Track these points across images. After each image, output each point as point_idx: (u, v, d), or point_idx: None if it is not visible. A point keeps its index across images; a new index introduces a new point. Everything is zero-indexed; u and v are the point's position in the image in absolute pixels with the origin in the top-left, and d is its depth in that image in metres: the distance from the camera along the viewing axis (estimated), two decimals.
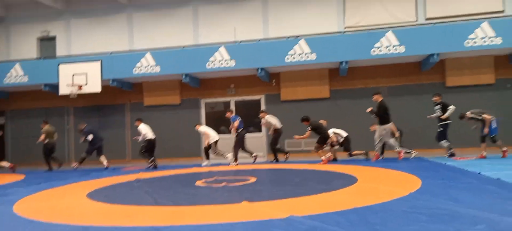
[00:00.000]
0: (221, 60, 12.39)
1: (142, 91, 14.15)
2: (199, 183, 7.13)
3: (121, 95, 14.34)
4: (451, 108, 10.02)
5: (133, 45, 14.66)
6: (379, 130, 10.23)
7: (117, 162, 13.58)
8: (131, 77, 13.17)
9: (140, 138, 11.16)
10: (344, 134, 10.80)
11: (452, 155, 9.97)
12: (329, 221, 3.71)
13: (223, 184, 6.78)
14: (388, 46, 11.56)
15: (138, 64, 12.86)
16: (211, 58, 12.44)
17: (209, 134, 11.29)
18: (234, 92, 13.75)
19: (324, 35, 12.44)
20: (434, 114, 10.50)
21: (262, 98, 13.61)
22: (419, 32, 11.73)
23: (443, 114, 10.09)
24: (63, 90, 12.76)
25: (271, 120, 11.64)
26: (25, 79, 13.51)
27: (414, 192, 5.05)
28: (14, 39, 15.74)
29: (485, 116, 9.40)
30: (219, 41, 13.26)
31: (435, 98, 10.49)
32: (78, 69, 12.72)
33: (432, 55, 11.43)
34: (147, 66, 12.82)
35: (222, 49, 12.43)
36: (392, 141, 10.19)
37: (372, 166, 8.68)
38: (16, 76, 13.58)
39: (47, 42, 15.66)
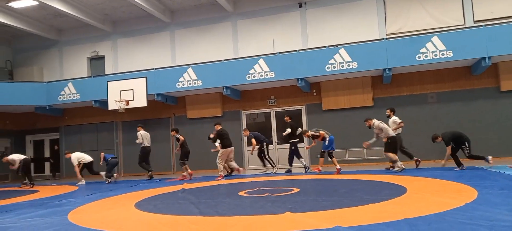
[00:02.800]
0: (260, 72, 12.46)
1: (185, 104, 14.53)
2: (242, 193, 7.14)
3: (166, 109, 14.80)
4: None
5: (175, 61, 15.14)
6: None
7: (162, 173, 13.97)
8: (175, 91, 13.58)
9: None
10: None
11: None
12: None
13: (266, 194, 6.73)
14: (435, 51, 11.08)
15: (181, 79, 13.25)
16: (251, 71, 12.55)
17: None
18: (275, 103, 13.75)
19: (365, 42, 12.16)
20: None
21: (303, 108, 13.49)
22: (468, 35, 11.16)
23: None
24: (112, 105, 13.39)
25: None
26: (77, 96, 14.35)
27: (471, 202, 4.73)
28: (66, 59, 16.82)
29: (321, 132, 10.45)
30: (258, 53, 13.36)
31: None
32: (125, 86, 13.32)
33: (483, 59, 10.81)
34: (189, 80, 13.16)
35: (261, 61, 12.51)
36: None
37: (422, 175, 8.26)
38: (69, 94, 14.45)
39: (96, 61, 16.58)
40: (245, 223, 4.50)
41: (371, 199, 5.58)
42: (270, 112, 13.84)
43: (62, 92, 14.53)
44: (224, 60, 13.36)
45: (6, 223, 5.35)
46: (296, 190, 7.14)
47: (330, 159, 10.58)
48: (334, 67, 11.86)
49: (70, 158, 12.16)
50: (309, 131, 10.87)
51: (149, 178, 11.77)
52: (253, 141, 11.54)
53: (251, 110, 14.09)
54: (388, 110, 10.55)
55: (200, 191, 8.00)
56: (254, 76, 12.53)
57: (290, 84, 13.07)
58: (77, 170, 11.94)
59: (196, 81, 13.10)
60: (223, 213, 5.22)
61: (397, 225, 3.77)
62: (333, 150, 10.53)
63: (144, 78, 13.27)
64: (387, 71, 11.58)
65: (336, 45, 12.15)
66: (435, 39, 11.12)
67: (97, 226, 4.66)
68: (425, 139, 11.70)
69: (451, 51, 10.95)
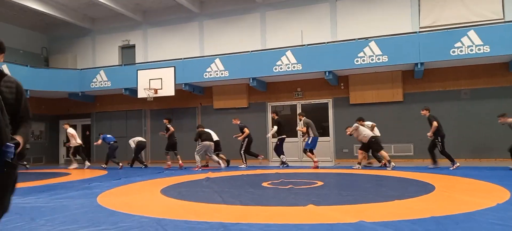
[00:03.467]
0: (288, 64, 12.37)
1: (212, 95, 14.67)
2: (265, 184, 7.16)
3: (193, 99, 14.99)
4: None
5: (203, 51, 15.27)
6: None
7: (188, 162, 14.19)
8: (202, 81, 13.72)
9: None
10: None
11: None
12: (404, 229, 3.47)
13: (289, 186, 6.71)
14: (471, 46, 10.62)
15: (208, 69, 13.36)
16: (278, 62, 12.48)
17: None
18: (301, 96, 13.64)
19: (397, 35, 11.81)
20: None
21: (330, 102, 13.32)
22: (507, 29, 10.60)
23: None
24: (141, 93, 13.70)
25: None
26: (109, 84, 14.76)
27: (503, 203, 4.54)
28: (98, 48, 17.31)
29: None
30: (286, 45, 13.26)
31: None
32: (154, 75, 13.58)
33: None
34: (216, 71, 13.26)
35: (288, 53, 12.41)
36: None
37: (451, 174, 7.99)
38: (101, 81, 14.89)
39: (127, 50, 16.98)
40: (268, 214, 4.51)
41: (396, 195, 5.46)
42: (296, 104, 13.75)
43: (94, 80, 14.99)
44: (251, 51, 13.35)
45: (39, 203, 5.61)
46: (320, 183, 7.09)
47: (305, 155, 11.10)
48: (364, 60, 11.60)
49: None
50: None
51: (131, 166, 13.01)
52: (246, 129, 11.84)
53: (277, 102, 14.04)
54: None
55: (223, 181, 8.08)
56: (281, 68, 12.47)
57: (317, 77, 12.90)
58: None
59: (223, 72, 13.18)
60: (245, 202, 5.26)
61: (423, 222, 3.67)
62: (313, 149, 10.87)
63: (173, 68, 13.47)
64: (419, 66, 11.22)
65: (366, 38, 11.87)
66: (471, 33, 10.66)
67: (123, 209, 4.80)
68: (456, 137, 11.34)
69: (488, 46, 10.47)
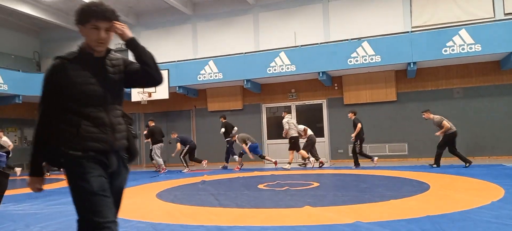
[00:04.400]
0: (281, 65, 12.39)
1: (206, 97, 14.64)
2: (261, 186, 7.15)
3: (187, 101, 14.96)
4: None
5: (197, 53, 15.24)
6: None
7: (182, 165, 14.13)
8: (196, 84, 13.68)
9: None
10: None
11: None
12: (400, 228, 3.49)
13: (285, 188, 6.72)
14: (462, 45, 10.72)
15: (202, 72, 13.33)
16: (272, 64, 12.50)
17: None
18: (296, 97, 13.67)
19: (389, 35, 11.89)
20: None
21: (324, 102, 13.36)
22: (498, 28, 10.71)
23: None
24: (135, 97, 13.63)
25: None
26: None
27: (497, 201, 4.58)
28: None
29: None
30: (280, 46, 13.29)
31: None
32: None
33: None
34: (210, 73, 13.24)
35: (282, 54, 12.43)
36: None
37: (446, 173, 8.05)
38: None
39: (121, 53, 16.77)
40: (264, 216, 4.51)
41: (392, 195, 5.49)
42: (290, 106, 13.77)
43: None
44: (245, 53, 13.34)
45: (34, 210, 5.55)
46: (315, 184, 7.11)
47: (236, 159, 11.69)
48: (357, 60, 11.66)
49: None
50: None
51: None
52: (178, 144, 11.92)
53: (272, 103, 14.05)
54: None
55: (219, 183, 8.07)
56: (275, 70, 12.48)
57: (311, 78, 12.94)
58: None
59: (217, 74, 13.16)
60: (242, 205, 5.25)
61: (419, 222, 3.70)
62: (243, 153, 11.49)
63: (166, 71, 13.39)
64: (412, 66, 11.30)
65: (359, 38, 11.93)
66: (462, 32, 10.76)
67: (119, 214, 4.76)
68: None
69: (479, 45, 10.57)
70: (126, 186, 2.19)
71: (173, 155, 12.04)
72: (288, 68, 12.32)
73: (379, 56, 11.44)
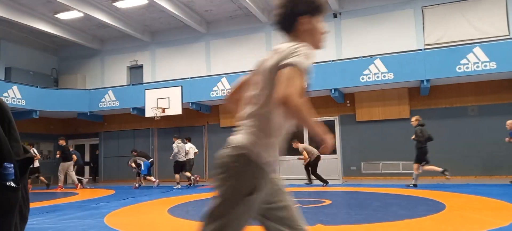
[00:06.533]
0: None
1: (218, 113, 14.74)
2: None
3: (200, 117, 15.08)
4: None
5: (210, 70, 15.43)
6: None
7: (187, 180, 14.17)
8: (209, 100, 13.81)
9: None
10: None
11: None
12: None
13: (297, 205, 6.66)
14: (477, 62, 10.61)
15: (215, 88, 13.47)
16: None
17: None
18: None
19: (402, 53, 11.86)
20: None
21: (336, 119, 13.31)
22: None
23: None
24: (149, 113, 13.81)
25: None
26: (117, 103, 14.92)
27: None
28: (107, 68, 17.58)
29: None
30: None
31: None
32: (161, 94, 13.72)
33: None
34: (223, 89, 13.36)
35: None
36: None
37: (462, 192, 7.89)
38: (109, 101, 15.06)
39: (135, 70, 17.21)
40: None
41: (406, 214, 5.40)
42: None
43: (103, 100, 15.16)
44: None
45: (46, 224, 5.63)
46: (328, 202, 7.04)
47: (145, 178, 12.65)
48: (369, 78, 11.63)
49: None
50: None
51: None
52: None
53: None
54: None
55: None
56: None
57: (323, 95, 12.93)
58: None
59: (229, 91, 13.24)
60: (253, 222, 5.22)
61: None
62: (146, 174, 12.54)
63: (180, 87, 13.60)
64: (425, 83, 11.21)
65: (371, 56, 11.93)
66: (477, 50, 10.67)
67: (130, 230, 4.80)
68: (465, 154, 11.23)
69: (494, 63, 10.46)
70: (140, 201, 2.17)
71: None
72: None
73: (391, 74, 11.40)
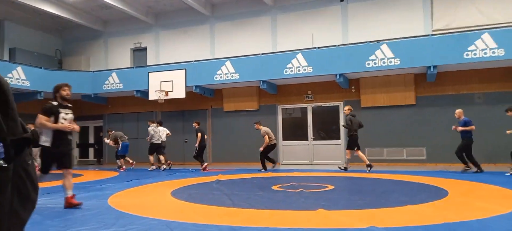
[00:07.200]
0: (298, 67, 12.33)
1: (222, 97, 14.70)
2: (275, 187, 7.13)
3: (203, 101, 15.05)
4: None
5: (214, 53, 15.33)
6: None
7: (198, 164, 14.22)
8: (212, 84, 13.76)
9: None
10: None
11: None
12: None
13: (300, 190, 6.68)
14: (485, 49, 10.44)
15: (219, 72, 13.40)
16: (289, 65, 12.45)
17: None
18: (312, 99, 13.58)
19: (409, 38, 11.69)
20: None
21: (340, 104, 13.23)
22: None
23: None
24: (152, 96, 13.81)
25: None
26: (121, 86, 14.91)
27: None
28: (111, 50, 17.52)
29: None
30: (297, 48, 13.22)
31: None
32: (165, 77, 13.68)
33: None
34: (227, 73, 13.28)
35: (299, 56, 12.37)
36: None
37: (465, 179, 7.85)
38: (113, 83, 15.05)
39: (139, 53, 17.14)
40: (277, 217, 4.49)
41: (408, 200, 5.38)
42: (306, 107, 13.70)
43: (107, 82, 15.16)
44: (262, 54, 13.34)
45: (51, 204, 5.68)
46: (330, 187, 7.04)
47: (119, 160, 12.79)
48: (375, 63, 11.50)
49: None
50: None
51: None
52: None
53: (287, 105, 14.00)
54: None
55: (233, 183, 8.08)
56: (291, 71, 12.43)
57: (328, 80, 12.84)
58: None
59: (233, 75, 13.20)
60: (255, 206, 5.24)
61: (436, 229, 3.61)
62: (125, 154, 12.79)
63: (184, 70, 13.54)
64: (432, 69, 11.07)
65: (378, 41, 11.77)
66: (485, 36, 10.49)
67: (133, 211, 4.83)
68: None
69: (502, 50, 10.28)
70: (144, 183, 2.15)
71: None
72: (305, 69, 12.25)
73: (398, 59, 11.26)
